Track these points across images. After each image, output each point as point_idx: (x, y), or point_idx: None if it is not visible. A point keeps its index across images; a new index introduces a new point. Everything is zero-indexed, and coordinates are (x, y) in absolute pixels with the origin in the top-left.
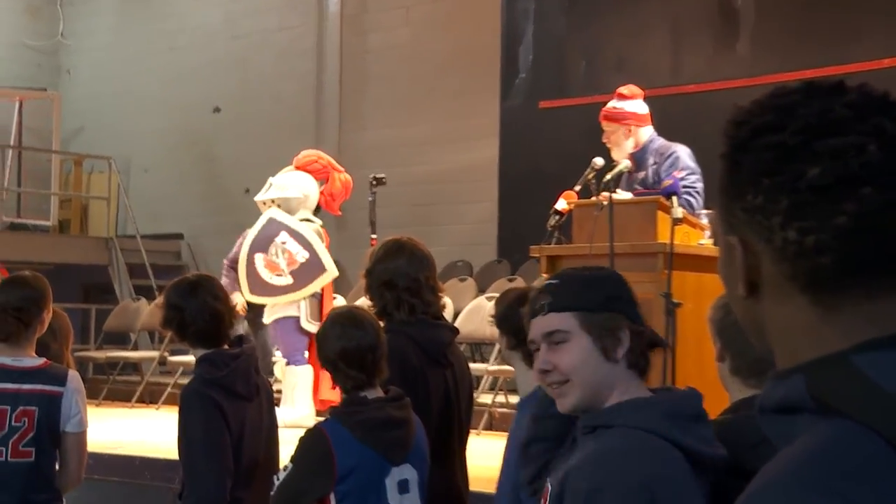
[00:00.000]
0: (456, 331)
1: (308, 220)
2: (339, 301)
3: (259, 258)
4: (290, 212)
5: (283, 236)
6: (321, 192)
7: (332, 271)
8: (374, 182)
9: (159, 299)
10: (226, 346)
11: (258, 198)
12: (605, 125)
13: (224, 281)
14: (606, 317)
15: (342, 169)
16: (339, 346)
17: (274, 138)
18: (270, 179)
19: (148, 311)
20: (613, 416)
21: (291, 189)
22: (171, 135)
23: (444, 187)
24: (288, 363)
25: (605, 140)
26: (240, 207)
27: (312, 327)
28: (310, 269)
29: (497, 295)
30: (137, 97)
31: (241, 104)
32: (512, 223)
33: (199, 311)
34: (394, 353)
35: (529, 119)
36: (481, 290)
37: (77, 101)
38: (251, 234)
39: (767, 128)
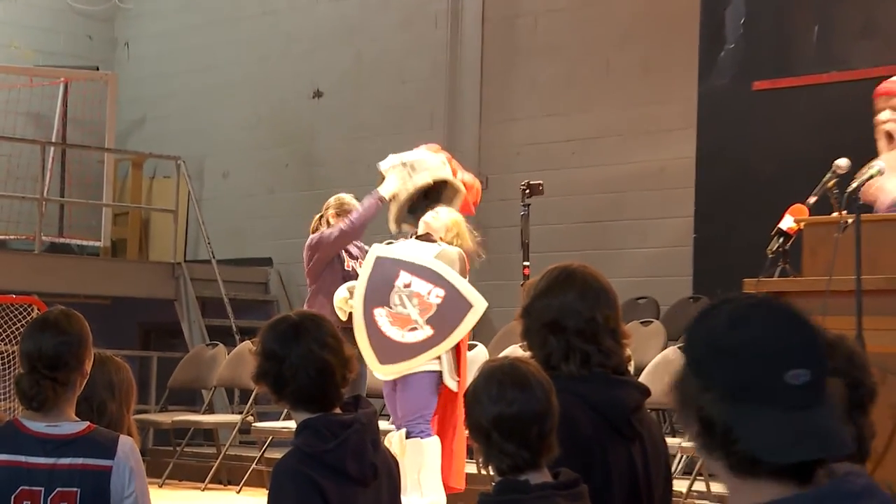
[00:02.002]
0: (646, 391)
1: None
2: (480, 351)
3: (381, 315)
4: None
5: (404, 277)
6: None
7: (479, 304)
8: (528, 191)
9: (245, 344)
10: (337, 410)
11: (384, 165)
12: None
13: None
14: (687, 385)
15: (471, 184)
16: (494, 412)
17: (393, 132)
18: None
19: (226, 361)
20: None
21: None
22: (258, 128)
23: (622, 198)
24: (409, 434)
25: (884, 127)
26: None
27: (454, 384)
28: (451, 308)
29: None
30: (215, 79)
31: (350, 87)
32: (714, 247)
33: (303, 362)
34: (559, 420)
35: (739, 105)
36: (672, 339)
37: (137, 83)
38: (360, 286)
39: None
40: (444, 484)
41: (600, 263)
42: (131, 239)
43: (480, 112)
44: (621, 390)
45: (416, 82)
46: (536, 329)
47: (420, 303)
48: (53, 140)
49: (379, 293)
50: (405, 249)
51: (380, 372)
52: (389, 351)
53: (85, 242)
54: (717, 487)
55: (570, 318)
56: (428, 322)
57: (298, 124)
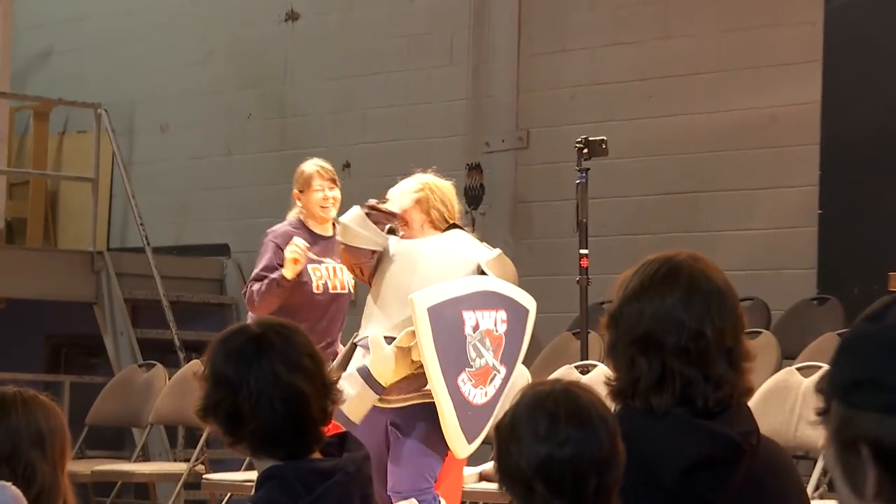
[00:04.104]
0: (732, 444)
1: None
2: (520, 373)
3: (465, 382)
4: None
5: (469, 317)
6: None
7: (531, 304)
8: (585, 150)
9: (192, 365)
10: (315, 455)
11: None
12: None
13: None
14: (844, 417)
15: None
16: (541, 455)
17: (397, 69)
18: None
19: (167, 389)
20: None
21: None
22: (210, 64)
23: (718, 159)
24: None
25: None
26: None
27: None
28: (514, 328)
29: (819, 365)
30: None
31: (337, 7)
32: (847, 227)
33: (266, 390)
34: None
35: (884, 27)
36: (789, 356)
37: (40, 1)
38: (428, 356)
39: None
40: None
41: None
42: (33, 219)
43: (519, 40)
44: (683, 437)
45: (426, 1)
46: (624, 345)
47: (492, 341)
48: None
49: (454, 355)
50: (441, 263)
51: (468, 452)
52: (476, 421)
53: None
54: None
55: (669, 332)
56: (502, 361)
57: (266, 59)
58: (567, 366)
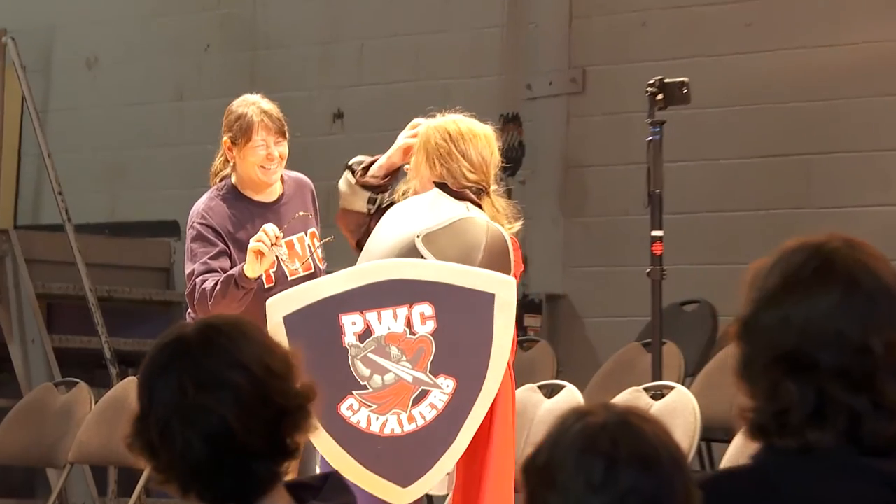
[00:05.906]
0: None
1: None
2: (569, 396)
3: (352, 410)
4: None
5: (353, 322)
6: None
7: (504, 286)
8: (660, 96)
9: (127, 383)
10: (278, 498)
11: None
12: None
13: None
14: None
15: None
16: None
17: None
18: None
19: (93, 416)
20: None
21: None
22: None
23: (843, 108)
24: None
25: None
26: (320, 156)
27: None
28: (464, 321)
29: None
30: None
31: None
32: None
33: (172, 412)
34: None
35: None
36: None
37: None
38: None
39: None
40: None
41: (803, 233)
42: None
43: None
44: (850, 485)
45: None
46: (763, 364)
47: (406, 348)
48: None
49: (332, 375)
50: (384, 238)
51: (408, 498)
52: (402, 457)
53: None
54: None
55: (824, 347)
56: (438, 371)
57: None
58: (634, 388)
